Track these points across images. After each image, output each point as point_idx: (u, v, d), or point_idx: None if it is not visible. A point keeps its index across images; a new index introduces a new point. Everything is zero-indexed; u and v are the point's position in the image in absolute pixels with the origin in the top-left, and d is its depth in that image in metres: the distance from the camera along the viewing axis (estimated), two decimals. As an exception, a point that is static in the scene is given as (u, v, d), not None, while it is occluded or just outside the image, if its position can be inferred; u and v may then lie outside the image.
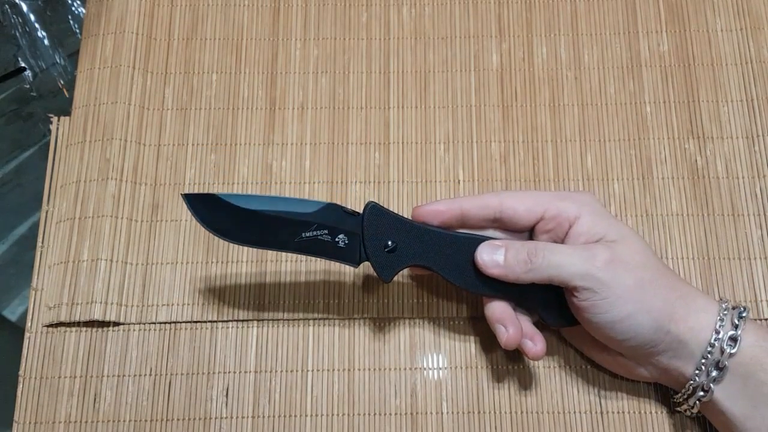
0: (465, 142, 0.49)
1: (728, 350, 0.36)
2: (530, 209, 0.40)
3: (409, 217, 0.40)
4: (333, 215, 0.39)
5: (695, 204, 0.47)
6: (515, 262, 0.38)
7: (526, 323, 0.40)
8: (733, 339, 0.37)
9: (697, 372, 0.37)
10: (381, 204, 0.40)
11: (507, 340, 0.39)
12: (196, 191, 0.48)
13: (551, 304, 0.40)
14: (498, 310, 0.40)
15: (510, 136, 0.49)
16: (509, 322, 0.39)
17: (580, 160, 0.48)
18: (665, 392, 0.43)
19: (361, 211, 0.39)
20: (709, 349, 0.37)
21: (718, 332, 0.37)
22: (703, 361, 0.37)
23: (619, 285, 0.37)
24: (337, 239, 0.39)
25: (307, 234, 0.39)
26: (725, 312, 0.38)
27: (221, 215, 0.39)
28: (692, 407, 0.39)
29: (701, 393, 0.38)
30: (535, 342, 0.39)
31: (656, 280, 0.38)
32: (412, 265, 0.40)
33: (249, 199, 0.39)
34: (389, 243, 0.39)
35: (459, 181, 0.48)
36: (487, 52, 0.52)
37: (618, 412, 0.43)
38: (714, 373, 0.37)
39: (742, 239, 0.46)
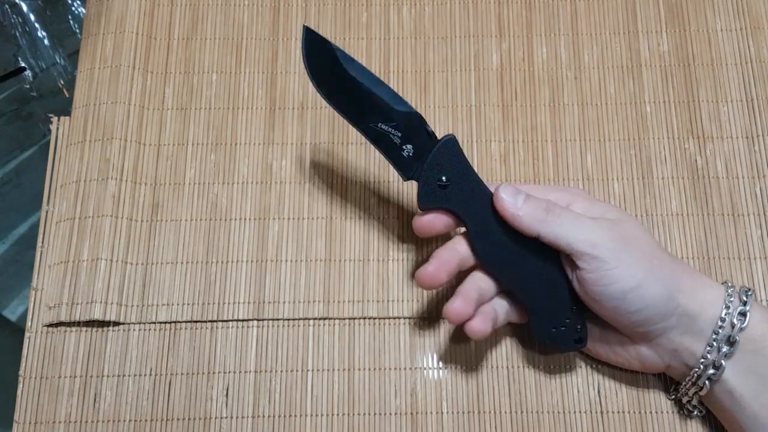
0: (465, 141, 0.49)
1: (739, 324, 0.37)
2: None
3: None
4: (413, 124, 0.40)
5: (695, 204, 0.47)
6: (531, 211, 0.38)
7: (491, 306, 0.41)
8: (743, 314, 0.37)
9: (708, 348, 0.37)
10: (458, 142, 0.40)
11: (445, 310, 0.39)
12: (196, 191, 0.48)
13: (546, 314, 0.40)
14: (465, 283, 0.40)
15: (510, 136, 0.49)
16: (460, 295, 0.39)
17: (580, 160, 0.48)
18: (666, 391, 0.43)
19: (439, 137, 0.40)
20: (720, 323, 0.37)
21: (728, 307, 0.37)
22: (714, 336, 0.37)
23: (628, 255, 0.37)
24: (404, 147, 0.40)
25: (383, 126, 0.40)
26: (732, 288, 0.38)
27: (324, 62, 0.40)
28: (700, 389, 0.39)
29: (712, 371, 0.38)
30: (479, 317, 0.39)
31: (660, 254, 0.39)
32: (449, 210, 0.40)
33: (355, 64, 0.40)
34: (444, 178, 0.39)
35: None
36: (487, 51, 0.52)
37: (618, 412, 0.43)
38: (725, 349, 0.37)
39: (742, 239, 0.46)
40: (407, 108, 0.40)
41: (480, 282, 0.40)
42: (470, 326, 0.39)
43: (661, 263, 0.38)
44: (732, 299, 0.38)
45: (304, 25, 0.40)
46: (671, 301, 0.37)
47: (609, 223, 0.38)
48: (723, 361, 0.37)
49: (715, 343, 0.37)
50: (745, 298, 0.38)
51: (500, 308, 0.41)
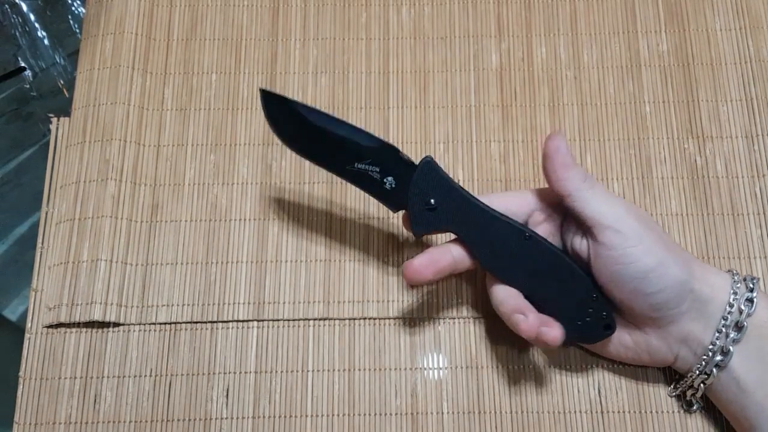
0: (464, 141, 0.49)
1: (746, 310, 0.38)
2: (520, 202, 0.41)
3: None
4: (389, 156, 0.40)
5: (695, 204, 0.47)
6: (573, 174, 0.38)
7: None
8: (750, 300, 0.38)
9: (717, 335, 0.38)
10: (436, 162, 0.40)
11: (528, 327, 0.38)
12: (195, 191, 0.48)
13: (567, 309, 0.40)
14: (512, 299, 0.39)
15: (509, 136, 0.49)
16: (526, 309, 0.38)
17: (580, 160, 0.48)
18: (666, 390, 0.43)
19: (416, 162, 0.40)
20: (728, 309, 0.38)
21: (735, 292, 0.38)
22: (723, 322, 0.38)
23: (648, 235, 0.37)
24: (385, 180, 0.40)
25: (360, 166, 0.40)
26: (737, 275, 0.39)
27: (287, 119, 0.40)
28: (707, 377, 0.39)
29: (720, 357, 0.38)
30: (551, 327, 0.38)
31: (670, 240, 0.39)
32: (444, 229, 0.40)
33: (317, 114, 0.40)
34: (432, 201, 0.39)
35: (458, 181, 0.48)
36: (487, 51, 0.52)
37: (618, 412, 0.43)
38: (733, 334, 0.38)
39: (742, 239, 0.46)
40: (378, 142, 0.40)
41: (514, 293, 0.40)
42: (552, 336, 0.38)
43: (675, 247, 0.39)
44: (738, 285, 0.38)
45: (259, 89, 0.40)
46: (687, 285, 0.38)
47: (629, 204, 0.39)
48: (731, 347, 0.38)
49: (723, 329, 0.38)
50: (751, 285, 0.38)
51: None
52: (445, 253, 0.40)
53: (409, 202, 0.39)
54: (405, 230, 0.47)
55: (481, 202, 0.39)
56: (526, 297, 0.40)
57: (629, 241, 0.37)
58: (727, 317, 0.38)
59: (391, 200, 0.40)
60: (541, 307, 0.40)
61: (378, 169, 0.39)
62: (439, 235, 0.47)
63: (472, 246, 0.40)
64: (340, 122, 0.40)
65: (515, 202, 0.41)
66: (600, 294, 0.39)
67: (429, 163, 0.39)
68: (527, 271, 0.39)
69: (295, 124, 0.40)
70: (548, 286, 0.39)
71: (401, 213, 0.41)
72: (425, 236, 0.47)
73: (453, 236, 0.41)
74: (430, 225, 0.40)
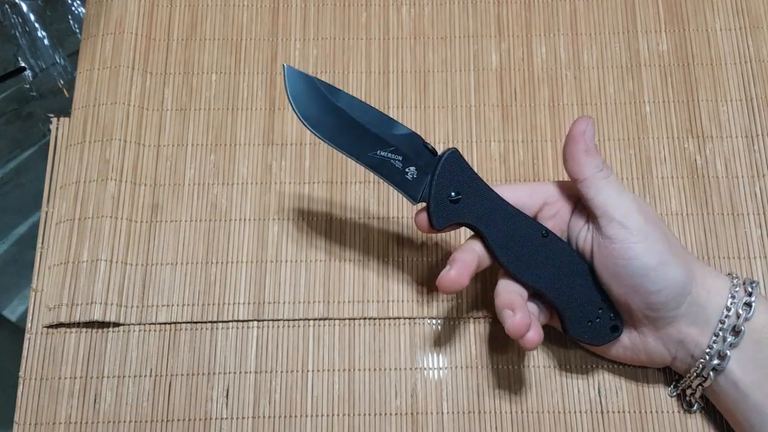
0: (465, 141, 0.49)
1: (744, 314, 0.37)
2: (531, 195, 0.41)
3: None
4: (412, 145, 0.39)
5: (695, 203, 0.47)
6: (591, 160, 0.38)
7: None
8: (748, 305, 0.38)
9: (714, 339, 0.38)
10: (461, 153, 0.39)
11: (513, 325, 0.37)
12: (195, 192, 0.48)
13: (579, 308, 0.40)
14: (508, 293, 0.39)
15: (509, 136, 0.49)
16: (517, 306, 0.38)
17: (580, 160, 0.48)
18: (666, 390, 0.43)
19: (440, 152, 0.39)
20: (726, 313, 0.38)
21: (733, 297, 0.38)
22: (720, 326, 0.38)
23: (653, 233, 0.37)
24: (407, 170, 0.39)
25: (382, 153, 0.39)
26: (737, 279, 0.39)
27: (311, 99, 0.38)
28: (704, 380, 0.39)
29: (717, 361, 0.38)
30: (534, 330, 0.38)
31: (675, 240, 0.39)
32: (464, 223, 0.39)
33: (342, 95, 0.39)
34: (453, 193, 0.39)
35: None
36: (487, 51, 0.52)
37: (619, 412, 0.43)
38: (730, 339, 0.37)
39: (741, 238, 0.46)
40: (403, 130, 0.39)
41: (516, 288, 0.39)
42: (529, 339, 0.37)
43: (678, 248, 0.39)
44: (737, 289, 0.38)
45: (283, 65, 0.39)
46: (686, 287, 0.38)
47: (640, 200, 0.39)
48: (728, 351, 0.37)
49: (720, 333, 0.38)
50: (750, 289, 0.38)
51: (534, 312, 0.40)
52: (471, 254, 0.39)
53: (431, 192, 0.39)
54: (404, 230, 0.47)
55: (501, 197, 0.39)
56: (538, 293, 0.40)
57: (633, 236, 0.37)
58: (725, 321, 0.38)
59: (411, 191, 0.39)
60: (551, 305, 0.40)
61: (400, 158, 0.39)
62: (439, 234, 0.47)
63: (489, 240, 0.39)
64: (365, 106, 0.39)
65: (527, 194, 0.41)
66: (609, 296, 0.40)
67: (454, 154, 0.39)
68: (541, 269, 0.39)
69: (319, 105, 0.38)
70: (561, 284, 0.39)
71: (411, 210, 0.41)
72: (427, 235, 0.47)
73: (456, 234, 0.41)
74: (451, 217, 0.39)
